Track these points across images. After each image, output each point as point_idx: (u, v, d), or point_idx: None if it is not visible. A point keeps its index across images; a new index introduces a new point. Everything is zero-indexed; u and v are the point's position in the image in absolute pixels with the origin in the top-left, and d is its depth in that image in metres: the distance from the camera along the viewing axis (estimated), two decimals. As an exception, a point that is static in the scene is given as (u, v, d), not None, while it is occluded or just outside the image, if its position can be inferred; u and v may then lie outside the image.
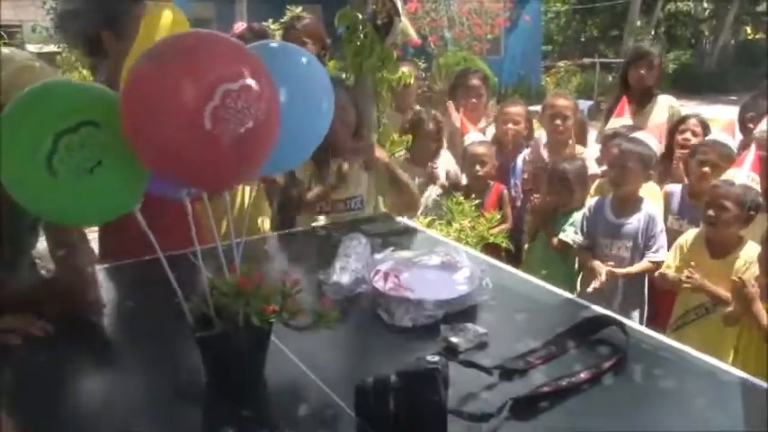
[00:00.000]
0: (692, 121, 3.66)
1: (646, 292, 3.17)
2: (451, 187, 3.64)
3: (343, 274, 1.84)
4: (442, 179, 3.73)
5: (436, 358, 1.30)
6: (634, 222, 3.14)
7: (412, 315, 1.66)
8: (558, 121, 3.71)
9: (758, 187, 2.83)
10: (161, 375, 1.54)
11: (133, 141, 1.33)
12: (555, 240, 3.24)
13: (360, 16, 2.89)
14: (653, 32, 19.72)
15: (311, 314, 1.46)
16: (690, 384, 1.49)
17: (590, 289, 3.02)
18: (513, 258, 3.28)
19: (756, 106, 3.66)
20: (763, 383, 1.42)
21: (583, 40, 22.97)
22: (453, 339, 1.57)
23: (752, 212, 2.82)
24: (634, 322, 2.05)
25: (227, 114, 1.29)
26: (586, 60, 18.10)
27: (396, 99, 4.22)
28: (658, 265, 3.06)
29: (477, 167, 3.65)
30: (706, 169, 3.21)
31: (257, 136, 1.36)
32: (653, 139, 3.26)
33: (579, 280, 3.23)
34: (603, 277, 3.03)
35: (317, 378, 1.47)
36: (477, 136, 3.83)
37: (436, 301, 1.68)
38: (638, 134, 3.29)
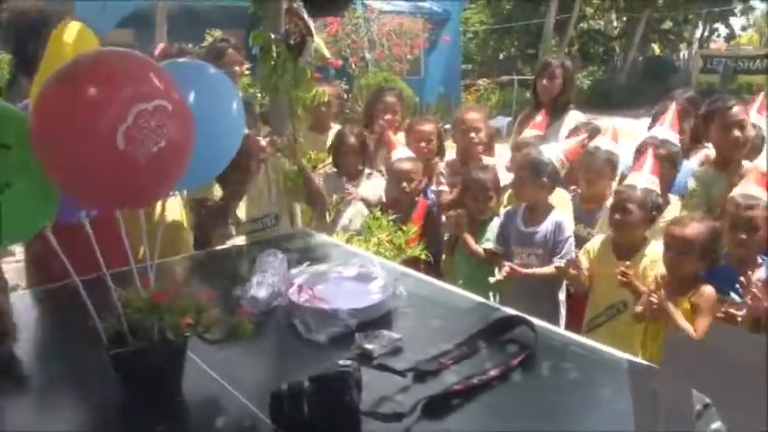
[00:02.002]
0: (583, 129, 3.84)
1: (560, 298, 3.27)
2: (374, 203, 3.68)
3: (259, 288, 1.85)
4: (367, 196, 3.76)
5: (348, 362, 1.34)
6: (542, 230, 3.24)
7: (327, 326, 1.69)
8: (473, 134, 3.83)
9: (658, 189, 2.99)
10: (76, 398, 1.52)
11: (45, 163, 1.33)
12: (480, 250, 3.31)
13: (273, 36, 2.92)
14: (567, 50, 20.41)
15: (226, 327, 1.48)
16: (595, 375, 1.56)
17: (492, 279, 3.11)
18: (433, 270, 3.34)
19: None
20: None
21: (501, 58, 23.58)
22: (368, 346, 1.61)
23: (653, 213, 2.97)
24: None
25: (140, 134, 1.30)
26: (505, 78, 18.62)
27: (314, 119, 4.27)
28: (564, 270, 3.17)
29: (405, 184, 3.66)
30: (591, 175, 3.39)
31: (171, 154, 1.38)
32: (557, 149, 3.37)
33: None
34: (504, 271, 3.10)
35: (234, 390, 1.48)
36: (404, 152, 3.83)
37: (350, 310, 1.72)
38: (544, 145, 3.42)
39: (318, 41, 3.04)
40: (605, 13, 24.28)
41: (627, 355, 1.60)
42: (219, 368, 1.56)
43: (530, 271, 3.15)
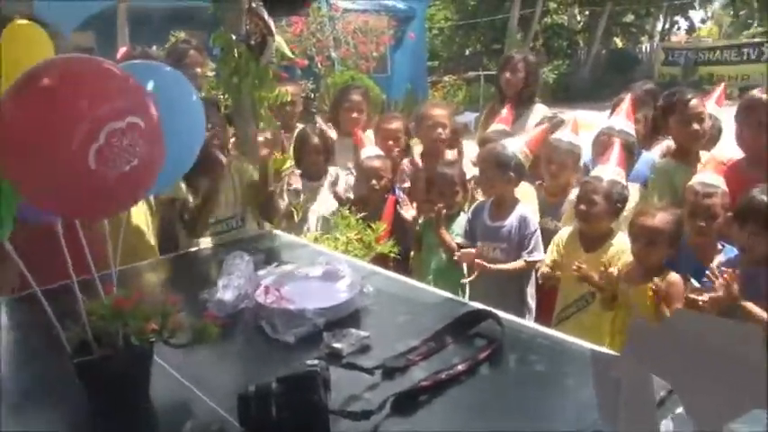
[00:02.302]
0: (547, 122, 3.88)
1: (528, 292, 3.30)
2: (343, 201, 3.69)
3: (225, 291, 1.85)
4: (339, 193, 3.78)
5: (315, 361, 1.34)
6: (508, 225, 3.26)
7: (294, 326, 1.69)
8: (438, 130, 3.85)
9: (624, 181, 3.03)
10: (44, 408, 1.50)
11: (9, 174, 1.29)
12: (454, 243, 3.32)
13: (234, 37, 2.90)
14: (532, 44, 20.56)
15: (192, 330, 1.47)
16: (562, 366, 1.58)
17: (464, 281, 3.13)
18: (403, 267, 3.35)
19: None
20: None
21: (467, 54, 23.70)
22: (336, 345, 1.61)
23: (619, 205, 3.01)
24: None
25: (112, 154, 1.27)
26: (471, 74, 18.70)
27: (279, 119, 4.26)
28: (532, 264, 3.20)
29: (374, 181, 3.69)
30: (553, 167, 3.42)
31: (143, 172, 1.36)
32: (520, 142, 3.39)
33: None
34: (475, 272, 3.13)
35: (202, 394, 1.48)
36: (373, 150, 3.85)
37: (317, 309, 1.72)
38: (506, 139, 3.44)
39: (280, 41, 3.03)
40: (568, 8, 24.52)
41: (592, 345, 1.62)
42: (187, 372, 1.55)
43: (501, 267, 3.16)
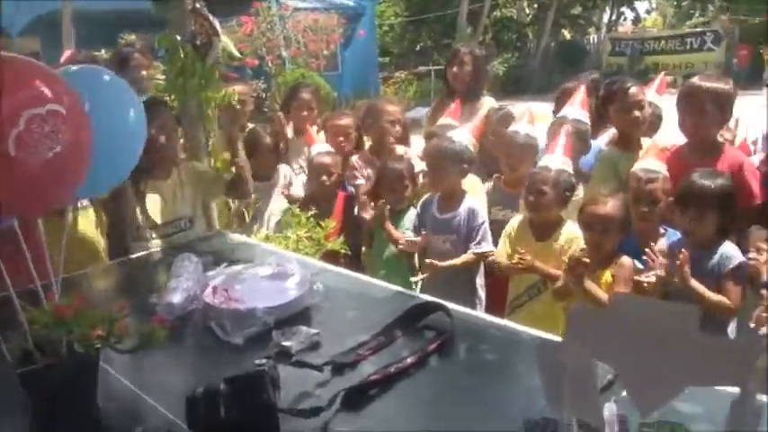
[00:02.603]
0: (494, 114, 3.92)
1: (477, 282, 3.32)
2: (293, 199, 3.69)
3: (174, 293, 1.83)
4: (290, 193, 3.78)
5: (263, 361, 1.34)
6: (457, 217, 3.28)
7: (243, 326, 1.68)
8: (386, 126, 3.87)
9: (570, 169, 3.08)
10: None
11: None
12: (402, 240, 3.33)
13: (178, 38, 2.87)
14: (482, 38, 20.72)
15: (139, 335, 1.45)
16: (510, 354, 1.61)
17: (414, 279, 3.15)
18: (355, 263, 3.35)
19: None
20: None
21: (418, 49, 23.73)
22: (285, 343, 1.61)
23: (567, 194, 3.05)
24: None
25: (32, 140, 1.27)
26: (422, 69, 18.74)
27: (228, 119, 4.23)
28: (481, 256, 3.23)
29: (325, 177, 3.69)
30: (511, 160, 3.47)
31: (68, 159, 1.35)
32: (466, 133, 3.42)
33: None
34: (423, 273, 3.15)
35: (150, 398, 1.47)
36: (323, 147, 3.84)
37: (266, 308, 1.71)
38: (451, 132, 3.46)
39: (226, 41, 3.00)
40: (517, 1, 24.76)
41: (542, 334, 1.65)
42: (136, 377, 1.54)
43: (450, 263, 3.17)
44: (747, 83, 14.80)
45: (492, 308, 3.24)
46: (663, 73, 4.71)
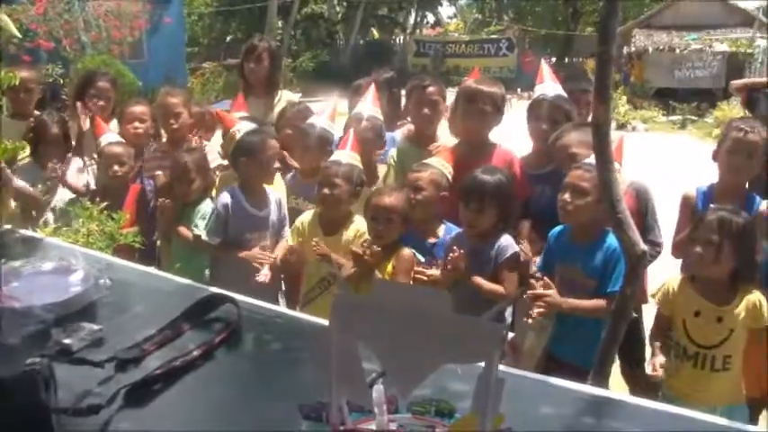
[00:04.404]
0: (291, 109, 4.03)
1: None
2: (83, 192, 3.53)
3: (-58, 295, 1.70)
4: (75, 184, 3.63)
5: (36, 360, 1.28)
6: (269, 211, 3.32)
7: (19, 326, 1.60)
8: (172, 119, 3.84)
9: (360, 165, 3.21)
10: None
11: None
12: (191, 236, 3.28)
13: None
14: (292, 33, 20.76)
15: None
16: (297, 343, 1.66)
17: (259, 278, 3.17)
18: (150, 257, 3.27)
19: None
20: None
21: (228, 41, 23.32)
22: (66, 341, 1.55)
23: (358, 188, 3.18)
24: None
25: None
26: (231, 61, 18.43)
27: (15, 106, 3.98)
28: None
29: (116, 167, 3.58)
30: (305, 152, 3.59)
31: None
32: (269, 129, 3.48)
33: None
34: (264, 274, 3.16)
35: None
36: (113, 136, 3.75)
37: (45, 305, 1.64)
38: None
39: (4, 18, 2.79)
40: (327, -1, 25.07)
41: (323, 321, 1.71)
42: None
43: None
44: (531, 87, 15.98)
45: (291, 302, 3.30)
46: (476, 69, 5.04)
